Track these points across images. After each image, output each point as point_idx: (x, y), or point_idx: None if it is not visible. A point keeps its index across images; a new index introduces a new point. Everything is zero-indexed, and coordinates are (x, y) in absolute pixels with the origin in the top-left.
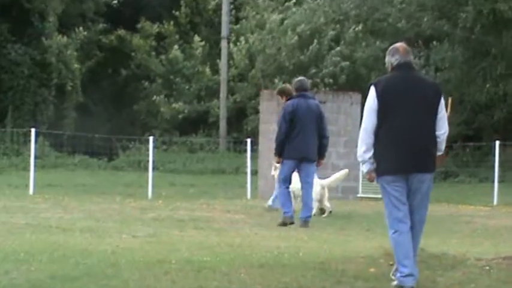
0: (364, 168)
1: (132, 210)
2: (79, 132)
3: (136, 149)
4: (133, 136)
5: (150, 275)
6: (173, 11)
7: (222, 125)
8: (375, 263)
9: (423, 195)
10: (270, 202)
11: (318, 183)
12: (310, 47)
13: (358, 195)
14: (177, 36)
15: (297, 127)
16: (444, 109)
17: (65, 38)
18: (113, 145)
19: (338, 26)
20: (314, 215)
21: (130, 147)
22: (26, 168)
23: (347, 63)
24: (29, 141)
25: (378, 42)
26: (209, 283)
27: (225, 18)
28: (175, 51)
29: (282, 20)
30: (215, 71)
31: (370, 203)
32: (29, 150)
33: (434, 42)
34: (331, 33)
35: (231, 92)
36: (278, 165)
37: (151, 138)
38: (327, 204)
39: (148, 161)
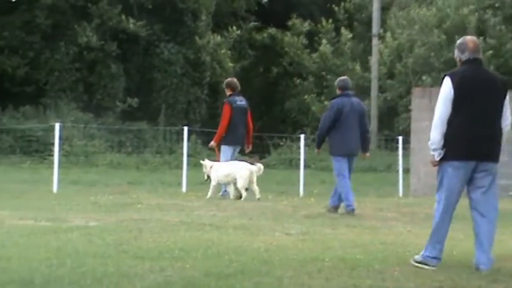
0: (436, 155)
1: (284, 208)
2: None
3: (288, 147)
4: (284, 134)
5: (304, 273)
6: (332, 6)
7: (373, 123)
8: None
9: (491, 184)
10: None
11: (246, 168)
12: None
13: (511, 193)
14: (333, 33)
15: (343, 125)
16: (508, 102)
17: (219, 37)
18: (264, 143)
19: (477, 14)
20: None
21: (282, 145)
22: (179, 166)
23: (491, 52)
24: (182, 139)
25: None
26: (363, 281)
27: (375, 15)
28: (324, 47)
29: (428, 15)
30: (365, 68)
31: None
32: (182, 148)
33: None
34: (472, 20)
35: (381, 90)
36: (207, 163)
37: (302, 136)
38: (256, 188)
39: (299, 159)
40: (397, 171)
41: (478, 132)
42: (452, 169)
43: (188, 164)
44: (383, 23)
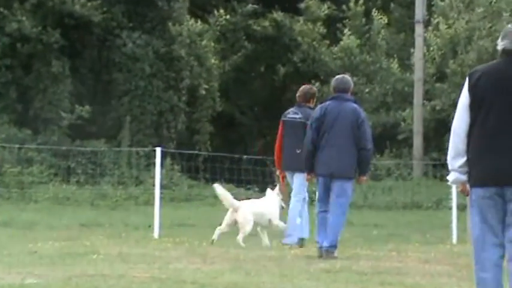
0: (449, 177)
1: (294, 259)
2: (220, 152)
3: None
4: None
5: None
6: None
7: (417, 142)
8: None
9: None
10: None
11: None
12: None
13: None
14: (363, 20)
15: (324, 136)
16: None
17: (199, 24)
18: (268, 169)
19: None
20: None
21: None
22: (149, 202)
23: None
24: (153, 164)
25: None
26: None
27: None
28: (347, 39)
29: None
30: (406, 67)
31: None
32: (153, 177)
33: None
34: None
35: (428, 96)
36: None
37: None
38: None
39: (315, 192)
40: (450, 209)
41: (502, 148)
42: (477, 198)
43: (162, 198)
44: (430, 5)
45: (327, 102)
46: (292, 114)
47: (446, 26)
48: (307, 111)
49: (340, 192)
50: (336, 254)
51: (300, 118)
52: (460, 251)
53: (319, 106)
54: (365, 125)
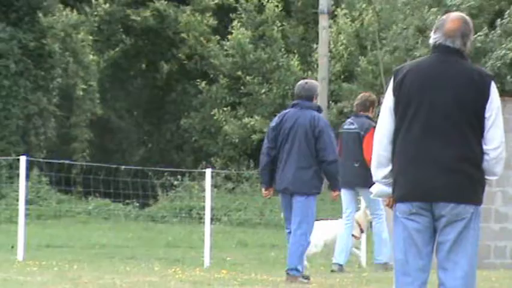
0: (373, 189)
1: (179, 286)
2: (95, 162)
3: (185, 188)
4: (180, 168)
5: None
6: None
7: None
8: None
9: (461, 238)
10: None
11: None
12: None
13: None
14: (255, 13)
15: (281, 147)
16: (496, 113)
17: (75, 14)
18: (149, 182)
19: None
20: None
21: (175, 185)
22: (12, 220)
23: None
24: (17, 176)
25: None
26: None
27: None
28: (237, 32)
29: None
30: (308, 65)
31: None
32: (17, 190)
33: None
34: None
35: (334, 97)
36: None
37: (208, 172)
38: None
39: (203, 208)
40: None
41: (429, 157)
42: (401, 215)
43: (27, 215)
44: None
45: (287, 110)
46: (348, 125)
47: (349, 18)
48: (364, 121)
49: (297, 210)
50: (301, 279)
51: (355, 129)
52: (370, 276)
53: (278, 114)
54: (324, 135)
